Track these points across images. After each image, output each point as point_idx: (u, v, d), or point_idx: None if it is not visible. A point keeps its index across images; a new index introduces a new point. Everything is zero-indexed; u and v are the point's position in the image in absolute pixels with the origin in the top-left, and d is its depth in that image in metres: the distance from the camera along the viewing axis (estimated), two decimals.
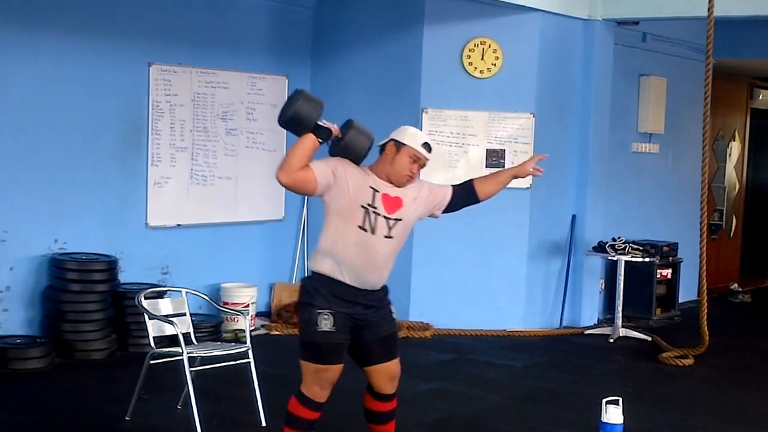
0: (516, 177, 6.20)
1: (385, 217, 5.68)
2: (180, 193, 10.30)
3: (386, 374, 5.90)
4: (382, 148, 5.82)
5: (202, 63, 10.40)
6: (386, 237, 5.69)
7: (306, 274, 5.92)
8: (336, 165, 5.65)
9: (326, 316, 5.59)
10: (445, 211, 6.07)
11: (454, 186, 6.06)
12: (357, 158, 5.74)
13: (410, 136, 5.80)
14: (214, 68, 10.50)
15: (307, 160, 5.55)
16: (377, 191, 5.69)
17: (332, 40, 11.49)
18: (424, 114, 10.75)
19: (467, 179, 6.13)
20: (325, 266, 5.67)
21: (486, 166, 10.72)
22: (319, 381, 5.68)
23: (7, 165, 8.96)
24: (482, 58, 10.80)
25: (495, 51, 10.78)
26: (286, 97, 5.83)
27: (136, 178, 9.93)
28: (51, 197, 9.26)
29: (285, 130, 10.98)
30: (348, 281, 5.64)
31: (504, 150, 10.82)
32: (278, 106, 10.92)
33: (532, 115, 10.85)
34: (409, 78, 10.87)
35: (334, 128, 5.68)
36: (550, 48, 11.04)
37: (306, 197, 11.28)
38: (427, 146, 5.79)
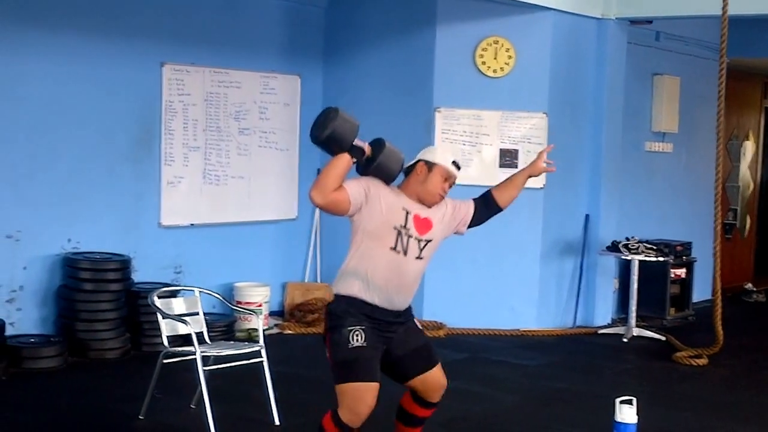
0: (531, 176, 6.19)
1: (416, 238, 5.68)
2: (193, 192, 10.31)
3: (433, 383, 5.86)
4: (410, 169, 5.82)
5: (215, 63, 10.41)
6: (417, 258, 5.69)
7: (332, 300, 5.80)
8: (369, 185, 5.63)
9: (358, 333, 5.54)
10: (471, 225, 6.06)
11: (475, 200, 6.06)
12: (388, 179, 5.73)
13: (440, 156, 5.82)
14: (227, 68, 10.51)
15: (341, 180, 5.52)
16: (409, 212, 5.69)
17: (344, 40, 11.49)
18: (436, 113, 10.75)
19: (486, 191, 6.11)
20: (353, 288, 5.63)
21: (499, 166, 10.73)
22: (356, 405, 5.53)
23: (20, 164, 8.99)
24: (495, 58, 10.79)
25: (508, 50, 10.77)
26: (320, 113, 5.72)
27: (150, 178, 9.95)
28: (64, 197, 9.29)
29: (297, 129, 11.09)
30: (376, 302, 5.62)
31: (517, 150, 10.81)
32: (291, 105, 11.12)
33: (545, 115, 10.84)
34: (422, 77, 10.87)
35: (367, 148, 5.66)
36: (564, 47, 11.03)
37: None
38: (456, 164, 5.82)
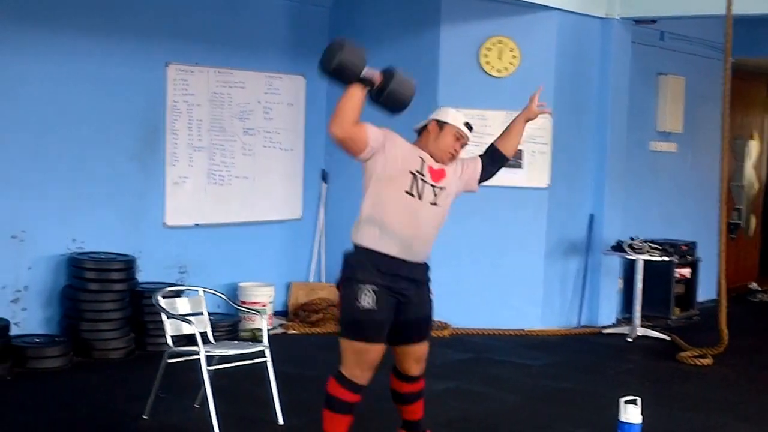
0: (528, 120, 6.32)
1: (431, 184, 5.76)
2: (198, 192, 10.33)
3: (414, 355, 5.95)
4: (422, 129, 5.94)
5: (219, 63, 10.43)
6: (432, 204, 5.77)
7: (350, 249, 5.84)
8: (386, 132, 5.73)
9: (367, 293, 5.59)
10: (481, 180, 6.17)
11: (481, 155, 6.18)
12: (401, 107, 5.80)
13: (452, 116, 5.95)
14: (231, 68, 10.53)
15: (358, 111, 5.57)
16: (425, 161, 5.78)
17: None
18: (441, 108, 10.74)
19: (489, 145, 6.26)
20: (370, 236, 5.68)
21: (504, 166, 10.70)
22: (360, 362, 5.65)
23: (25, 164, 9.01)
24: (499, 57, 10.80)
25: (512, 50, 10.78)
26: (328, 46, 5.75)
27: (154, 178, 9.97)
28: (69, 197, 9.30)
29: (301, 129, 11.10)
30: (393, 252, 5.66)
31: (522, 150, 10.80)
32: (295, 106, 11.15)
33: (549, 115, 10.82)
34: (427, 77, 10.86)
35: (378, 77, 5.69)
36: (568, 47, 11.04)
37: (323, 197, 11.34)
38: (468, 125, 5.94)
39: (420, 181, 5.72)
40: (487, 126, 10.71)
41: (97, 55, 9.45)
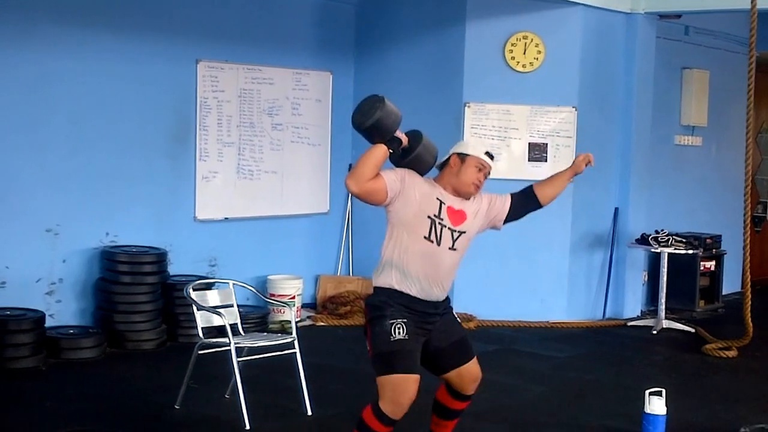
0: (576, 173, 6.19)
1: (450, 229, 5.71)
2: (227, 187, 10.44)
3: (469, 376, 5.93)
4: (444, 163, 5.87)
5: (249, 59, 10.53)
6: (450, 249, 5.72)
7: (371, 293, 5.90)
8: (404, 175, 5.68)
9: (400, 326, 5.58)
10: (508, 220, 6.06)
11: (513, 194, 6.07)
12: (423, 171, 5.79)
13: (472, 147, 5.89)
14: (260, 65, 10.62)
15: (377, 170, 5.56)
16: (443, 203, 5.73)
17: (375, 36, 11.58)
18: (466, 108, 10.83)
19: (527, 186, 6.12)
20: (392, 279, 5.68)
21: (528, 160, 10.81)
22: (396, 398, 5.57)
23: (59, 160, 9.14)
24: (524, 53, 10.85)
25: (537, 45, 10.84)
26: (364, 100, 5.75)
27: (185, 173, 10.09)
28: (102, 191, 9.43)
29: (329, 125, 11.19)
30: (414, 293, 5.66)
31: (546, 144, 10.88)
32: (322, 101, 11.24)
33: (574, 109, 10.89)
34: (452, 73, 10.95)
35: (405, 139, 5.71)
36: (593, 42, 11.07)
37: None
38: (489, 155, 5.85)
39: (438, 226, 5.67)
40: (513, 122, 10.80)
41: (130, 52, 9.56)
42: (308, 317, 10.82)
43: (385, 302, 5.66)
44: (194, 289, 7.26)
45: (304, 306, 11.00)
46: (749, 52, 9.79)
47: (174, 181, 10.01)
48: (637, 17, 11.28)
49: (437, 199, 5.72)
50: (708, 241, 12.00)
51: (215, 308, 7.26)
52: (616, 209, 11.45)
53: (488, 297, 10.90)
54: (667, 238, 11.07)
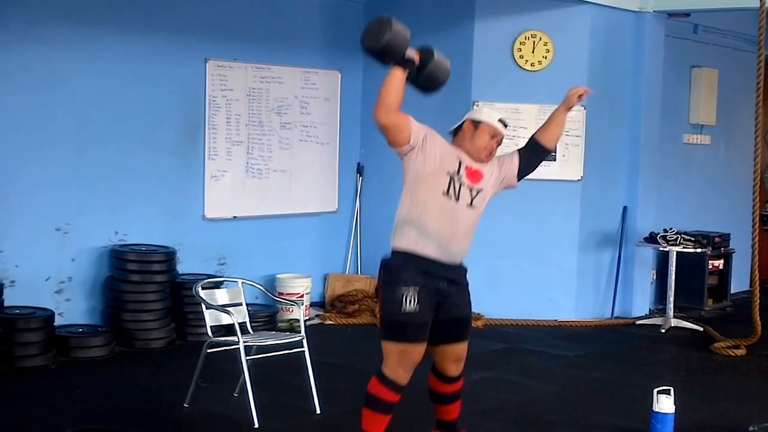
0: (569, 108, 6.20)
1: (468, 186, 5.76)
2: (236, 185, 10.46)
3: (453, 355, 5.95)
4: (457, 130, 5.93)
5: (257, 58, 10.55)
6: (468, 206, 5.76)
7: (388, 255, 5.90)
8: (426, 131, 5.75)
9: (411, 295, 5.61)
10: (522, 175, 6.10)
11: (519, 149, 6.14)
12: (437, 87, 5.85)
13: (486, 114, 5.95)
14: (269, 63, 10.64)
15: (401, 96, 5.59)
16: (462, 161, 5.78)
17: None
18: (474, 107, 10.83)
19: (530, 137, 6.19)
20: (408, 239, 5.69)
21: None
22: (403, 362, 5.67)
23: (68, 159, 9.16)
24: (533, 51, 10.86)
25: (546, 44, 10.84)
26: (371, 21, 5.81)
27: (194, 172, 10.11)
28: (111, 190, 9.45)
29: (337, 123, 11.20)
30: (431, 253, 5.67)
31: None
32: (331, 100, 11.26)
33: (583, 108, 10.89)
34: (461, 71, 10.87)
35: (417, 57, 5.71)
36: (601, 40, 11.07)
37: (358, 190, 11.44)
38: (503, 122, 5.93)
39: (457, 183, 5.71)
40: (521, 120, 10.80)
41: (139, 51, 9.59)
42: (317, 316, 10.84)
43: (401, 266, 5.69)
44: (203, 288, 7.27)
45: (312, 304, 11.02)
46: (758, 50, 9.81)
47: (183, 180, 10.03)
48: (646, 16, 11.28)
49: (457, 157, 5.79)
50: (716, 239, 12.00)
51: (224, 307, 7.28)
52: (625, 208, 11.44)
53: (496, 296, 10.90)
54: (675, 236, 11.06)
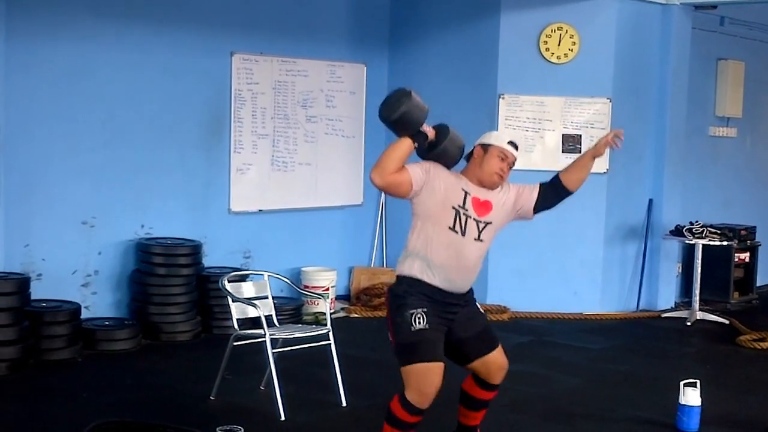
0: (596, 156, 6.10)
1: (475, 219, 5.71)
2: (261, 179, 10.49)
3: (495, 365, 5.91)
4: (469, 155, 5.88)
5: (283, 52, 10.57)
6: (476, 240, 5.72)
7: (394, 282, 5.93)
8: (429, 167, 5.69)
9: (420, 315, 5.59)
10: (539, 209, 6.01)
11: (542, 184, 6.03)
12: (450, 165, 5.79)
13: (495, 137, 5.88)
14: (295, 57, 10.66)
15: (401, 163, 5.58)
16: (468, 194, 5.72)
17: (409, 28, 11.59)
18: (500, 100, 10.83)
19: (554, 175, 6.08)
20: (414, 268, 5.69)
21: (562, 151, 10.79)
22: (422, 386, 5.60)
23: (95, 153, 9.20)
24: (559, 44, 10.83)
25: (572, 36, 10.82)
26: (391, 93, 5.73)
27: (219, 165, 10.14)
28: (137, 184, 9.50)
29: (362, 117, 11.21)
30: (437, 284, 5.67)
31: (580, 135, 10.87)
32: (356, 94, 11.26)
33: (608, 100, 10.87)
34: (487, 64, 10.94)
35: (431, 134, 5.70)
36: (627, 33, 11.04)
37: None
38: (513, 144, 5.85)
39: (463, 216, 5.67)
40: (546, 113, 10.79)
41: (165, 45, 9.63)
42: (342, 309, 10.85)
43: (407, 291, 5.68)
44: (229, 281, 7.30)
45: (338, 298, 11.04)
46: None
47: (209, 174, 10.06)
48: (673, 8, 11.23)
49: (462, 189, 5.72)
50: (742, 232, 11.96)
51: (250, 300, 7.28)
52: (651, 200, 11.41)
53: (522, 289, 10.91)
54: (701, 229, 11.03)
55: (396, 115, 5.59)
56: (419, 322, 5.60)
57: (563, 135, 10.87)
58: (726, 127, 12.90)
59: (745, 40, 12.90)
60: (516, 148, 5.86)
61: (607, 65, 10.89)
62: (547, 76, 10.87)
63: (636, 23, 11.11)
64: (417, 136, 5.64)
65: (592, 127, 10.82)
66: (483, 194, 5.78)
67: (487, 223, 5.75)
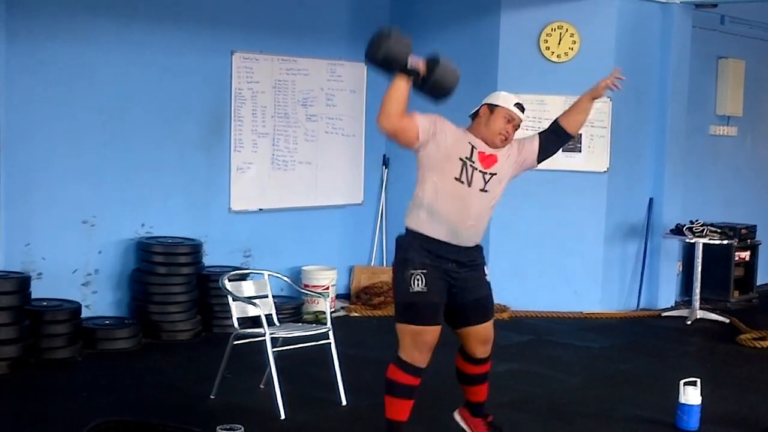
0: (595, 98, 6.12)
1: (481, 171, 5.74)
2: (262, 178, 10.49)
3: (479, 337, 5.95)
4: (475, 114, 5.91)
5: (283, 50, 10.57)
6: (481, 191, 5.75)
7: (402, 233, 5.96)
8: (436, 119, 5.74)
9: (419, 276, 5.63)
10: (542, 158, 6.05)
11: (541, 132, 6.09)
12: (446, 95, 5.80)
13: (503, 98, 5.90)
14: (295, 55, 10.66)
15: (404, 103, 5.61)
16: (475, 147, 5.76)
17: (410, 27, 11.46)
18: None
19: (553, 121, 6.12)
20: (420, 221, 5.73)
21: (562, 150, 10.69)
22: (417, 344, 5.68)
23: (95, 151, 9.21)
24: (559, 43, 10.84)
25: (572, 35, 10.82)
26: (375, 34, 5.78)
27: (220, 164, 10.14)
28: (138, 183, 9.50)
29: (363, 115, 11.20)
30: (442, 236, 5.69)
31: (581, 134, 10.84)
32: (357, 92, 11.27)
33: (609, 99, 10.85)
34: (487, 63, 10.94)
35: (422, 67, 5.71)
36: (628, 31, 11.04)
37: (384, 182, 11.45)
38: (519, 106, 5.87)
39: (469, 168, 5.70)
40: (546, 111, 10.77)
41: (165, 44, 9.63)
42: (342, 308, 10.85)
43: (411, 245, 5.73)
44: (229, 280, 7.30)
45: (338, 297, 11.04)
46: None
47: (209, 172, 10.07)
48: (673, 7, 11.23)
49: (469, 143, 5.77)
50: (743, 231, 11.96)
51: (250, 299, 7.29)
52: (651, 199, 11.41)
53: (522, 287, 10.91)
54: (701, 228, 11.02)
55: (380, 54, 5.63)
56: (418, 284, 5.65)
57: None
58: (726, 126, 12.90)
59: (746, 38, 12.89)
60: (522, 110, 5.90)
61: (608, 64, 10.79)
62: (548, 75, 10.87)
63: (636, 22, 11.11)
64: (408, 72, 5.64)
65: (592, 126, 10.81)
66: (488, 149, 5.82)
67: (492, 174, 5.79)
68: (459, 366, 6.13)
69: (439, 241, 5.70)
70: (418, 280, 5.65)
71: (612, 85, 6.10)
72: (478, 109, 5.92)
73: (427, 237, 5.71)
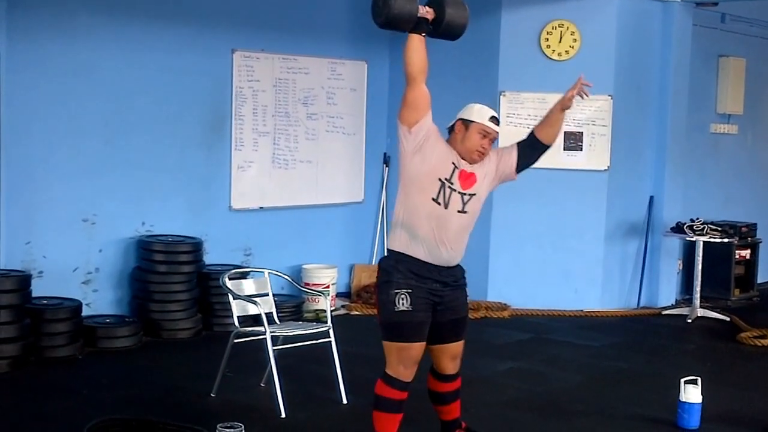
0: (564, 109, 6.03)
1: (460, 192, 5.71)
2: (262, 176, 10.49)
3: (449, 353, 5.96)
4: (451, 128, 5.85)
5: (284, 49, 10.57)
6: (459, 212, 5.73)
7: (385, 254, 5.96)
8: (432, 133, 5.68)
9: (403, 296, 5.65)
10: (521, 168, 5.99)
11: (519, 143, 6.02)
12: (462, 30, 5.79)
13: (477, 112, 5.81)
14: (296, 54, 10.66)
15: (422, 53, 5.57)
16: (457, 167, 5.72)
17: None
18: (501, 97, 10.83)
19: (530, 132, 6.07)
20: (401, 241, 5.72)
21: (564, 149, 10.78)
22: (402, 360, 5.72)
23: (96, 150, 9.21)
24: (560, 41, 10.84)
25: (573, 33, 10.82)
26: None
27: (220, 163, 10.14)
28: (138, 181, 9.50)
29: (363, 114, 11.21)
30: (422, 257, 5.69)
31: (582, 132, 10.86)
32: (357, 91, 11.30)
33: (609, 97, 10.86)
34: (487, 61, 10.94)
35: (430, 14, 5.66)
36: (628, 30, 11.04)
37: (385, 180, 11.45)
38: (494, 120, 5.81)
39: (448, 189, 5.66)
40: (547, 109, 10.74)
41: (166, 42, 9.63)
42: (343, 306, 10.86)
43: (394, 267, 5.72)
44: (230, 278, 7.30)
45: (338, 295, 11.05)
46: None
47: (209, 171, 10.07)
48: (674, 5, 11.23)
49: (452, 163, 5.72)
50: (743, 229, 11.96)
51: (251, 297, 7.30)
52: (651, 197, 11.41)
53: (522, 286, 10.92)
54: (702, 226, 11.02)
55: (385, 17, 5.57)
56: (403, 303, 5.67)
57: (565, 132, 10.83)
58: (727, 124, 12.89)
59: (746, 36, 12.88)
60: (497, 123, 5.83)
61: (609, 62, 10.88)
62: (549, 73, 10.86)
63: (637, 20, 11.11)
64: (418, 25, 5.60)
65: (593, 124, 10.82)
66: (468, 167, 5.77)
67: (471, 195, 5.76)
68: (431, 387, 6.13)
69: (421, 261, 5.71)
70: (403, 298, 5.66)
71: (579, 93, 6.02)
72: (454, 124, 5.85)
73: (409, 257, 5.71)
